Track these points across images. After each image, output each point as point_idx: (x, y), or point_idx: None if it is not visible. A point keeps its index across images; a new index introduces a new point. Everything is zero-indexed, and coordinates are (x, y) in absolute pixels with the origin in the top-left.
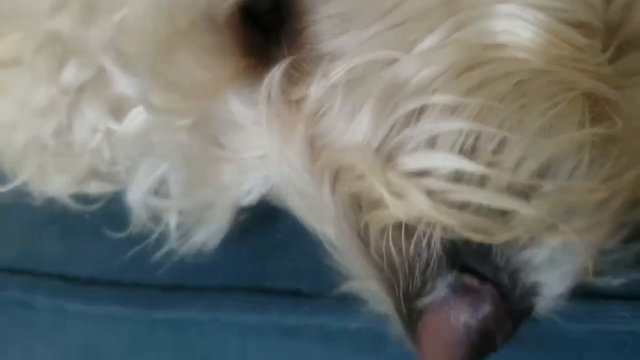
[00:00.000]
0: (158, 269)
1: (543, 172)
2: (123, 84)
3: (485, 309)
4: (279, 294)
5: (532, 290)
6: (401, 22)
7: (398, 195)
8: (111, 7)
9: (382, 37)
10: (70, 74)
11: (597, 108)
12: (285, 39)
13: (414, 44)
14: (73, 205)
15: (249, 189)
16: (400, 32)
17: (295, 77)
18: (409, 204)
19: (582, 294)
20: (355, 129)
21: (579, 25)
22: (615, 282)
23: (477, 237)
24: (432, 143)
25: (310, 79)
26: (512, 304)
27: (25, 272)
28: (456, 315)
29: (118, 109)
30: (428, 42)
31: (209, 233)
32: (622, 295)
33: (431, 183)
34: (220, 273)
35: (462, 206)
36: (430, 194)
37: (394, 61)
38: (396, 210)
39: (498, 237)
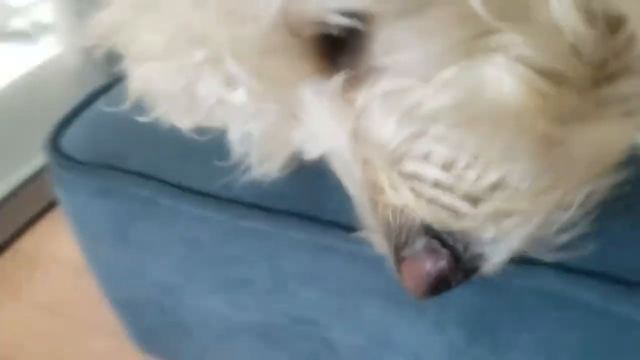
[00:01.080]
0: (244, 188)
1: (496, 185)
2: (234, 70)
3: (442, 264)
4: (323, 222)
5: (479, 257)
6: (431, 54)
7: (394, 188)
8: (239, 13)
9: (416, 63)
10: (199, 54)
11: (549, 144)
12: (349, 53)
13: (435, 73)
14: (191, 135)
15: (310, 149)
16: (428, 61)
17: (353, 82)
18: (400, 196)
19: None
20: (384, 131)
21: (552, 74)
22: (548, 258)
23: (438, 226)
24: (426, 156)
25: (362, 86)
26: (463, 263)
27: (153, 178)
28: (423, 264)
29: (231, 83)
30: (443, 75)
31: (278, 170)
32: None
33: (417, 185)
34: (284, 199)
35: (434, 202)
36: (414, 191)
37: (417, 85)
38: (392, 198)
39: (452, 227)
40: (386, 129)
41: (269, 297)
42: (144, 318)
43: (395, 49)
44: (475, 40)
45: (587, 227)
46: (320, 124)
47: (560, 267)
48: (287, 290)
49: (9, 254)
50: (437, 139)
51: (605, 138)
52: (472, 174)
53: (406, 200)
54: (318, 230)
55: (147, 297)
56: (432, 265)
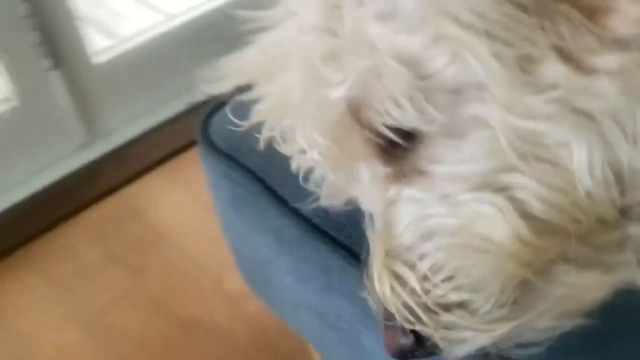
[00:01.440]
0: (315, 211)
1: (458, 305)
2: (311, 136)
3: (409, 342)
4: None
5: (438, 347)
6: (459, 176)
7: (381, 281)
8: (317, 100)
9: (447, 178)
10: (293, 115)
11: (519, 282)
12: (402, 150)
13: (457, 192)
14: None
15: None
16: (456, 180)
17: (397, 172)
18: (381, 287)
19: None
20: (394, 228)
21: (547, 224)
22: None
23: (402, 323)
24: (412, 265)
25: (401, 179)
26: (424, 346)
27: (259, 180)
28: (396, 337)
29: (309, 143)
30: (456, 198)
31: (341, 205)
32: None
33: (396, 285)
34: (340, 229)
35: (403, 303)
36: (392, 289)
37: (432, 202)
38: (377, 286)
39: (410, 326)
40: (396, 228)
41: (322, 295)
42: (246, 265)
43: (435, 161)
44: (494, 173)
45: (545, 350)
46: (366, 195)
47: None
48: (333, 296)
49: (189, 154)
50: (424, 255)
51: (585, 284)
52: (440, 291)
53: (384, 293)
54: (358, 264)
55: (249, 256)
56: (401, 340)
